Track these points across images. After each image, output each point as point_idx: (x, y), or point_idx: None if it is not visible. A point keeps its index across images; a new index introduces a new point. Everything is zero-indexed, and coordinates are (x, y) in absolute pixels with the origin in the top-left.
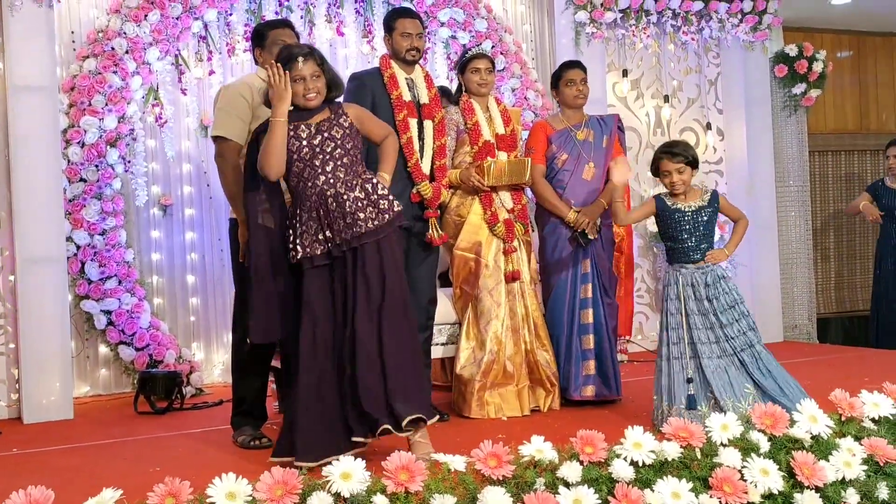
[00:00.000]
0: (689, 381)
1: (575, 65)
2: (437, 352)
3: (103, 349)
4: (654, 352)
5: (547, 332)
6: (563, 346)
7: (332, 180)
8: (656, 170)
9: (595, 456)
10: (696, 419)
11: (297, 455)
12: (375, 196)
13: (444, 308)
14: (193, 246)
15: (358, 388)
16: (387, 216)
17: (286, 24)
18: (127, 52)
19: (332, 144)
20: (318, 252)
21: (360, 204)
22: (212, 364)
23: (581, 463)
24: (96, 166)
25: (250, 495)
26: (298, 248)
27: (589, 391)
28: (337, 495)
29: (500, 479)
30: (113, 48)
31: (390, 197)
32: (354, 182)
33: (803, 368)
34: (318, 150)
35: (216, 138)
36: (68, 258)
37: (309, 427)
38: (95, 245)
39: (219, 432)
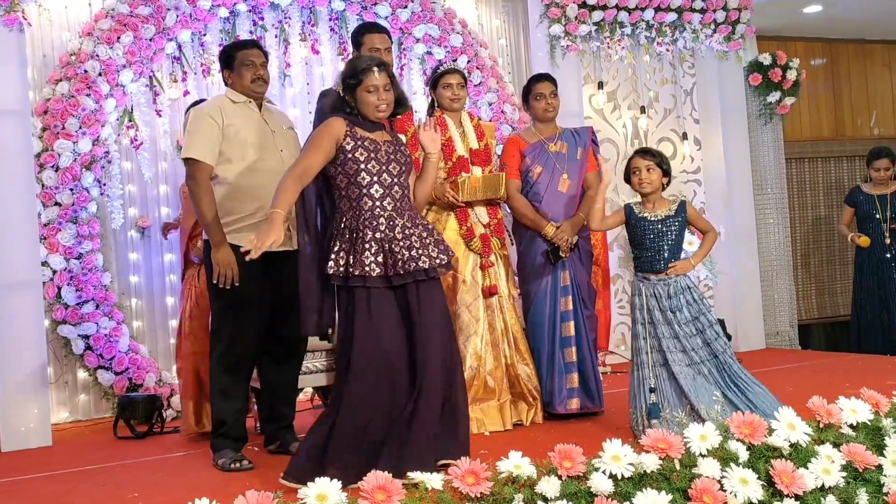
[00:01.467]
0: (652, 390)
1: (543, 78)
2: None
3: (82, 374)
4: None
5: (527, 345)
6: (545, 360)
7: (400, 209)
8: (628, 174)
9: (573, 470)
10: (674, 427)
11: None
12: (432, 238)
13: None
14: (172, 268)
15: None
16: (445, 258)
17: (255, 44)
18: (100, 74)
19: (398, 168)
20: (375, 274)
21: (423, 241)
22: None
23: (560, 477)
24: (71, 190)
25: None
26: (357, 266)
27: (574, 404)
28: None
29: (479, 496)
30: (86, 71)
31: (446, 243)
32: (418, 220)
33: (785, 375)
34: (384, 168)
35: (187, 160)
36: (44, 283)
37: (355, 453)
38: (72, 269)
39: (199, 455)
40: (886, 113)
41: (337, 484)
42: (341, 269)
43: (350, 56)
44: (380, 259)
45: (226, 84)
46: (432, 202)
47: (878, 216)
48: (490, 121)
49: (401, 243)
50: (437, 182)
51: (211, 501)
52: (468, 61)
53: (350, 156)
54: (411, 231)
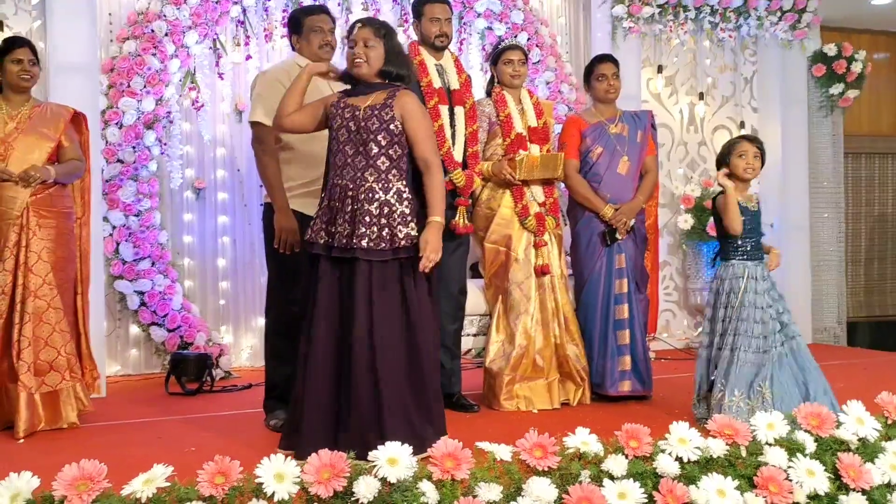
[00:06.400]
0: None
1: (606, 59)
2: (466, 343)
3: (134, 329)
4: (684, 349)
5: (577, 326)
6: (597, 341)
7: (358, 181)
8: (724, 157)
9: (640, 450)
10: (742, 414)
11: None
12: (384, 221)
13: (475, 299)
14: (225, 230)
15: (350, 411)
16: (390, 244)
17: (323, 10)
18: (166, 34)
19: (366, 136)
20: (321, 241)
21: (368, 219)
22: (239, 348)
23: (626, 457)
24: (133, 147)
25: (298, 477)
26: (311, 228)
27: (626, 387)
28: (383, 480)
29: (546, 469)
30: (153, 30)
31: (410, 230)
32: (376, 196)
33: (834, 371)
34: (352, 136)
35: (254, 124)
36: (104, 238)
37: (314, 428)
38: (130, 226)
39: (249, 415)
40: None
41: (407, 448)
42: (310, 234)
43: (410, 27)
44: (330, 228)
45: (293, 49)
46: (488, 178)
47: None
48: (547, 99)
49: (346, 216)
50: (495, 159)
51: (286, 458)
52: (528, 38)
53: (329, 123)
54: (360, 206)
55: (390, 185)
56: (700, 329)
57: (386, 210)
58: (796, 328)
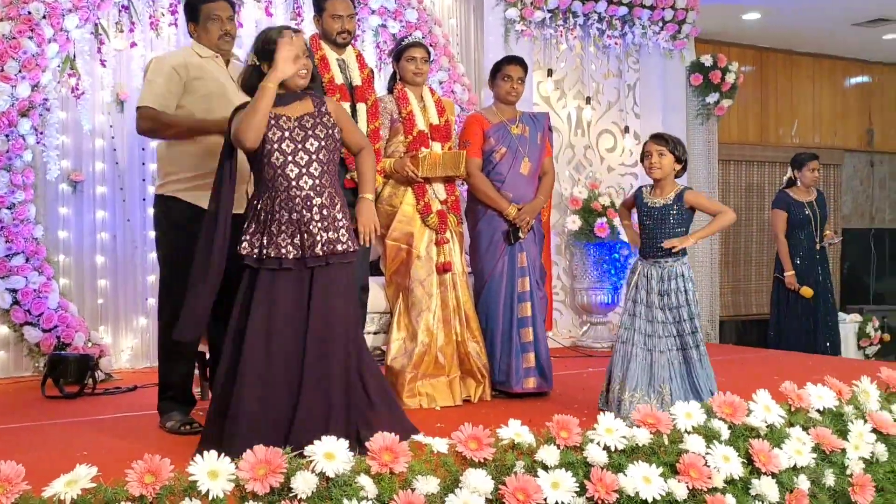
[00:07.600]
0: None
1: (516, 61)
2: (367, 340)
3: (3, 330)
4: (571, 347)
5: (478, 323)
6: (500, 340)
7: (318, 188)
8: (644, 158)
9: (570, 440)
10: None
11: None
12: (347, 223)
13: (375, 297)
14: (104, 225)
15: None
16: (354, 245)
17: None
18: (44, 17)
19: (317, 144)
20: (291, 256)
21: (338, 224)
22: (119, 349)
23: (557, 447)
24: (6, 136)
25: (233, 474)
26: (272, 248)
27: (531, 383)
28: (321, 475)
29: (482, 461)
30: (29, 12)
31: (353, 230)
32: (336, 200)
33: (714, 367)
34: (300, 146)
35: (142, 108)
36: None
37: (254, 431)
38: (2, 219)
39: (140, 418)
40: (807, 123)
41: (344, 443)
42: (255, 250)
43: (303, 22)
44: (296, 241)
45: (191, 36)
46: (390, 175)
47: (811, 223)
48: None
49: (318, 224)
50: (397, 156)
51: (220, 455)
52: (422, 37)
53: (263, 135)
54: (328, 212)
55: (338, 191)
56: (585, 329)
57: (345, 211)
58: (697, 338)
